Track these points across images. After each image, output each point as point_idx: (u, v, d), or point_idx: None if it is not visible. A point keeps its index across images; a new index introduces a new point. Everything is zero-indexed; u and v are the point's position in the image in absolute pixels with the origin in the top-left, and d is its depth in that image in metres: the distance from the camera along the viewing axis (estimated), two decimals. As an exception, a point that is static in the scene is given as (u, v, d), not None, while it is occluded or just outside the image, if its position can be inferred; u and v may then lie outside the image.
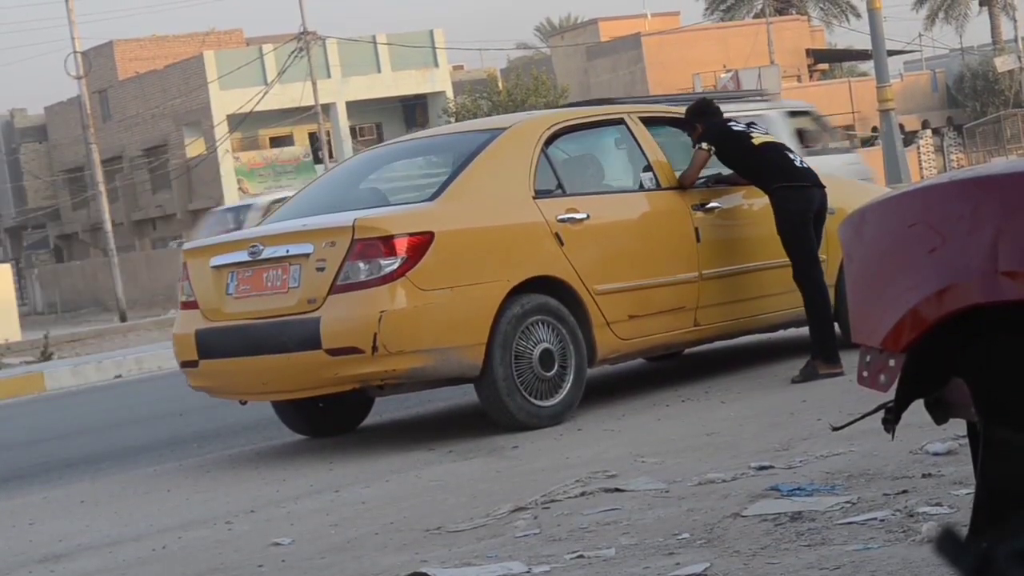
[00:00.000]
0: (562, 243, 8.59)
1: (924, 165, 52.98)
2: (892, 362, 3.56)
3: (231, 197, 57.69)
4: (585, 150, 9.56)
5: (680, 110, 9.76)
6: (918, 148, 53.64)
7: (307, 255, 8.15)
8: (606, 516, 5.71)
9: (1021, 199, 3.23)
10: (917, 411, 3.77)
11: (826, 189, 9.29)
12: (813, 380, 8.76)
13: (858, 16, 71.76)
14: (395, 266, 7.96)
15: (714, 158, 9.37)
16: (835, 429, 4.59)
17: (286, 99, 56.68)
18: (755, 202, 9.59)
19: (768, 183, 9.24)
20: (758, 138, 9.41)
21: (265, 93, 54.77)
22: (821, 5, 74.51)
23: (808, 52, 66.32)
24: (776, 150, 9.36)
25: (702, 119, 9.47)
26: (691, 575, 4.72)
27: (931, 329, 3.44)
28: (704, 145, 9.29)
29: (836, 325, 9.21)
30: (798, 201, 9.12)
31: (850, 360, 8.32)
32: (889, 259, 3.56)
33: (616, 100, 10.66)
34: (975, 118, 63.17)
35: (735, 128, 9.51)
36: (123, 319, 39.71)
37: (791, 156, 9.36)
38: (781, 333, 10.74)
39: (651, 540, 5.22)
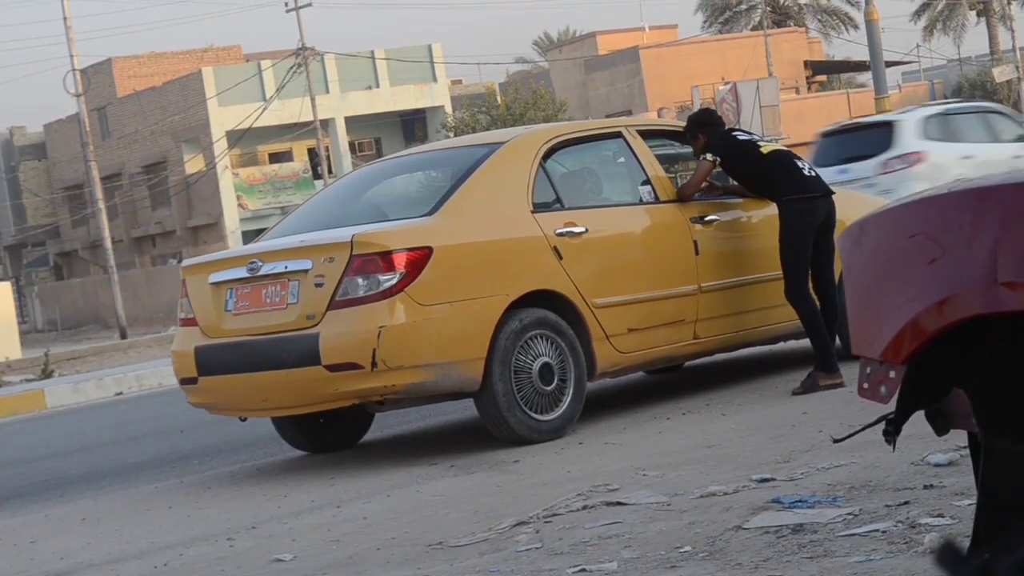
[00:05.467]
0: (561, 257, 8.59)
1: (923, 176, 52.93)
2: (892, 374, 3.56)
3: (230, 213, 57.81)
4: (583, 164, 9.56)
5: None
6: (917, 159, 53.59)
7: (306, 271, 8.15)
8: (608, 530, 5.70)
9: (1020, 210, 3.23)
10: (918, 422, 3.76)
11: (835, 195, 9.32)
12: (814, 392, 8.76)
13: (856, 27, 71.86)
14: (394, 281, 7.96)
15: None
16: (836, 441, 4.58)
17: (285, 115, 56.76)
18: (754, 214, 9.60)
19: (777, 194, 9.21)
20: (766, 147, 9.40)
21: (264, 109, 54.84)
22: (819, 17, 74.61)
23: (806, 64, 66.42)
24: (786, 159, 9.35)
25: (705, 130, 9.46)
26: (693, 588, 4.72)
27: (931, 340, 3.44)
28: (709, 156, 9.28)
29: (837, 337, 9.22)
30: (803, 214, 9.11)
31: (851, 372, 8.33)
32: (889, 270, 3.56)
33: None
34: (974, 128, 63.11)
35: (741, 138, 9.49)
36: (123, 336, 39.74)
37: (800, 165, 9.34)
38: (781, 345, 10.74)
39: (653, 553, 5.21)
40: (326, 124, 56.90)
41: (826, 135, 18.46)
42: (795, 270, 9.09)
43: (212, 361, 8.52)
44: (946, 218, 3.40)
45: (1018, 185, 3.28)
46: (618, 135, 9.48)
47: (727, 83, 54.25)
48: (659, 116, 53.29)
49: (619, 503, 6.16)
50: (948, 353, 3.52)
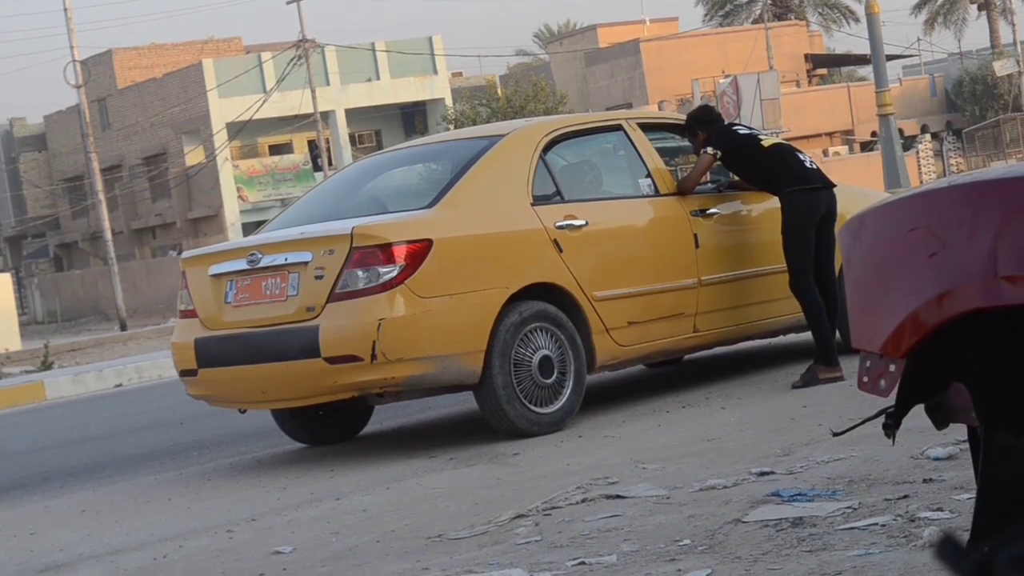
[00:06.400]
0: (561, 250, 8.59)
1: (923, 170, 53.04)
2: (892, 367, 3.56)
3: (230, 205, 57.80)
4: (583, 156, 9.56)
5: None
6: (917, 153, 53.71)
7: (306, 263, 8.15)
8: (607, 523, 5.70)
9: (1021, 204, 3.23)
10: (918, 416, 3.76)
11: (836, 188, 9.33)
12: (814, 385, 8.76)
13: (857, 21, 71.85)
14: (393, 274, 7.96)
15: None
16: (836, 434, 4.58)
17: (285, 107, 56.72)
18: (754, 208, 9.60)
19: (780, 187, 9.21)
20: (767, 140, 9.41)
21: (264, 101, 54.81)
22: (820, 10, 74.57)
23: (807, 57, 66.39)
24: (787, 152, 9.36)
25: (704, 126, 9.47)
26: (692, 581, 4.72)
27: (931, 334, 3.44)
28: (709, 150, 9.28)
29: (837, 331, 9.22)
30: (805, 205, 9.11)
31: (850, 365, 8.33)
32: (889, 264, 3.56)
33: None
34: (974, 122, 63.23)
35: (741, 132, 9.50)
36: (123, 328, 39.74)
37: (801, 157, 9.35)
38: (781, 338, 10.74)
39: (652, 546, 5.21)
40: (326, 116, 56.87)
41: None
42: (798, 262, 9.09)
43: (212, 353, 8.52)
44: (946, 212, 3.40)
45: (1018, 179, 3.28)
46: (618, 128, 9.48)
47: (727, 76, 54.26)
48: (659, 109, 53.31)
49: (618, 496, 6.16)
50: (948, 347, 3.51)
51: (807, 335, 9.45)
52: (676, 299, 9.09)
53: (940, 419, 3.69)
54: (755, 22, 69.62)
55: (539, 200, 8.72)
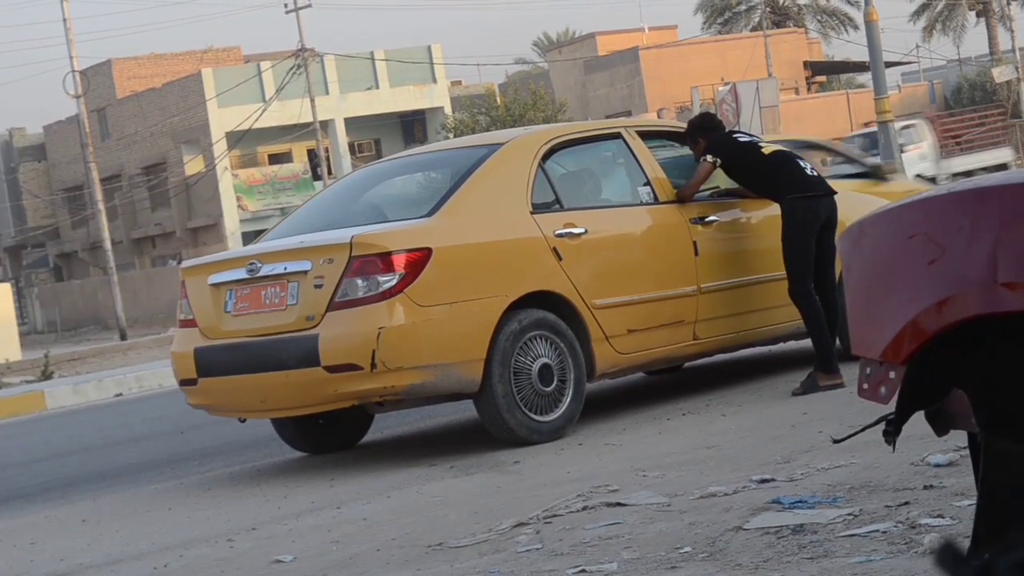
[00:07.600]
0: (560, 258, 8.59)
1: (923, 176, 52.98)
2: (892, 374, 3.56)
3: (230, 215, 57.81)
4: (583, 165, 9.56)
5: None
6: (917, 159, 53.64)
7: (305, 272, 8.15)
8: (608, 530, 5.70)
9: (1020, 210, 3.23)
10: (918, 423, 3.76)
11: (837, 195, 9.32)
12: (814, 392, 8.76)
13: (856, 28, 71.84)
14: (393, 282, 7.96)
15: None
16: (836, 441, 4.58)
17: (284, 116, 56.71)
18: (753, 215, 9.60)
19: (781, 193, 9.21)
20: (767, 147, 9.41)
21: (263, 110, 54.80)
22: (819, 17, 74.63)
23: (806, 64, 66.40)
24: (787, 159, 9.35)
25: (705, 133, 9.47)
26: (693, 589, 4.71)
27: (931, 341, 3.44)
28: (709, 157, 9.28)
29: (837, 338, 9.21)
30: (805, 212, 9.11)
31: (851, 372, 8.33)
32: (888, 271, 3.56)
33: None
34: (973, 129, 63.20)
35: (741, 139, 9.50)
36: (123, 337, 39.73)
37: (802, 164, 9.35)
38: (781, 346, 10.74)
39: (653, 554, 5.21)
40: (326, 125, 56.86)
41: None
42: (798, 269, 9.09)
43: (211, 362, 8.52)
44: (945, 218, 3.40)
45: (1017, 185, 3.28)
46: (617, 136, 9.48)
47: (727, 84, 54.25)
48: (659, 117, 53.30)
49: (619, 504, 6.16)
50: (948, 353, 3.52)
51: (807, 342, 9.44)
52: (676, 307, 9.09)
53: (940, 426, 3.69)
54: (754, 30, 69.66)
55: (538, 208, 8.72)
